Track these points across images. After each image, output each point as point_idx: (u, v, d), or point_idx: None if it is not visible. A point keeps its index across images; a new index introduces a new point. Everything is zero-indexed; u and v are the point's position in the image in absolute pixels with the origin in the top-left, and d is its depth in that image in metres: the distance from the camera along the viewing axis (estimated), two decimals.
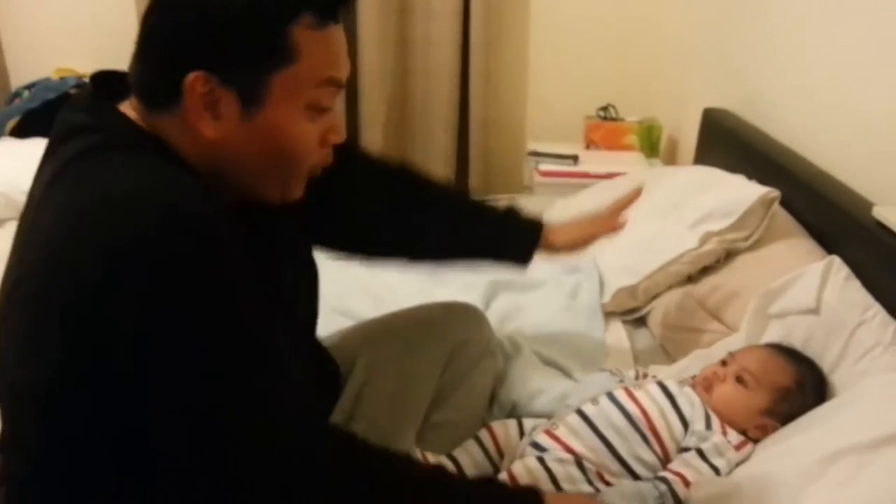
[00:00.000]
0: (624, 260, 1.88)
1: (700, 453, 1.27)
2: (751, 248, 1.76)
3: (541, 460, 1.27)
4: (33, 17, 2.91)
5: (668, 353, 1.68)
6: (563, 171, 2.73)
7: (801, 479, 1.12)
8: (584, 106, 2.99)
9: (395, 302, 1.57)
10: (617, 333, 1.77)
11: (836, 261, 1.53)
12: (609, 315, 1.82)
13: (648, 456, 1.28)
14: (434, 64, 2.85)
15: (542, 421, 1.36)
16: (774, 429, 1.32)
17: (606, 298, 1.83)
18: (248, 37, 0.87)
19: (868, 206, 1.56)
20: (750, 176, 1.89)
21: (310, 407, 0.93)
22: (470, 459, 1.32)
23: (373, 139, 2.90)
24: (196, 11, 0.87)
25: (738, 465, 1.28)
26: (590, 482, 1.25)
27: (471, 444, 1.34)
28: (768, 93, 2.18)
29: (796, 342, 1.45)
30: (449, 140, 2.94)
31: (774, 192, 1.76)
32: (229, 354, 0.81)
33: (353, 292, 1.80)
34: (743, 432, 1.33)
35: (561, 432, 1.30)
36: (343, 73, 0.95)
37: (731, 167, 1.99)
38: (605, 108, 2.99)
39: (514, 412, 1.46)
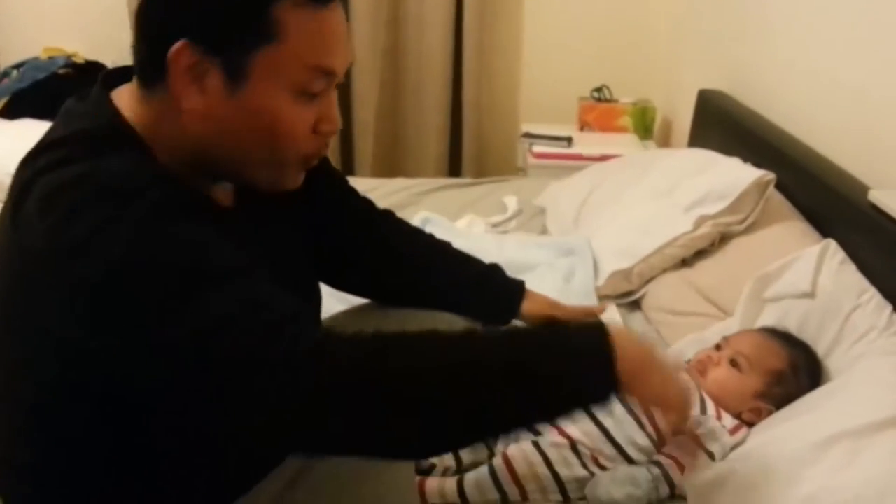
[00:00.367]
0: (618, 243, 1.88)
1: (694, 438, 1.27)
2: (746, 232, 1.75)
3: (536, 444, 1.27)
4: None
5: (663, 337, 1.68)
6: (557, 153, 2.72)
7: (797, 463, 1.13)
8: (577, 87, 2.98)
9: None
10: (611, 317, 1.76)
11: (832, 245, 1.53)
12: (603, 298, 1.82)
13: (643, 440, 1.28)
14: (427, 44, 2.83)
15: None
16: (769, 412, 1.33)
17: (601, 282, 1.83)
18: (231, 10, 0.87)
19: (864, 189, 1.56)
20: (745, 158, 1.88)
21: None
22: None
23: (365, 120, 2.88)
24: None
25: (732, 449, 1.28)
26: (585, 466, 1.25)
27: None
28: (764, 74, 2.17)
29: (791, 326, 1.45)
30: (442, 121, 2.93)
31: (770, 175, 1.76)
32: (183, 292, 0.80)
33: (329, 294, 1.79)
34: (737, 416, 1.33)
35: None
36: (337, 62, 0.93)
37: (726, 149, 1.98)
38: (599, 90, 2.98)
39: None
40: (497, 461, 1.26)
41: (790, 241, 1.63)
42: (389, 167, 2.98)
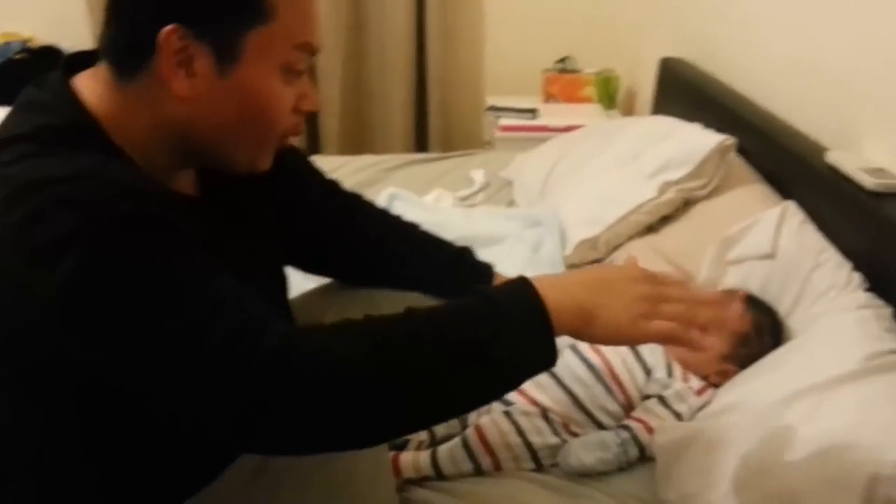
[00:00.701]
0: (585, 212, 1.89)
1: (662, 400, 1.29)
2: (708, 196, 1.78)
3: (507, 414, 1.28)
4: None
5: None
6: (523, 126, 2.73)
7: (761, 420, 1.15)
8: (541, 59, 2.98)
9: None
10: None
11: (792, 206, 1.56)
12: (571, 267, 1.83)
13: (612, 405, 1.30)
14: (390, 19, 2.81)
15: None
16: (735, 373, 1.35)
17: (569, 251, 1.84)
18: None
19: (822, 151, 1.58)
20: (706, 124, 1.90)
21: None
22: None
23: (330, 97, 2.86)
24: None
25: (699, 409, 1.30)
26: (556, 433, 1.27)
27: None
28: (723, 41, 2.19)
29: (754, 287, 1.48)
30: (407, 96, 2.91)
31: (730, 140, 1.78)
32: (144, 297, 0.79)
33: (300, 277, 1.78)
34: (704, 378, 1.35)
35: (526, 386, 1.31)
36: (317, 39, 0.95)
37: (688, 116, 2.00)
38: (562, 61, 2.98)
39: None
40: (469, 432, 1.27)
41: (751, 204, 1.65)
42: (356, 144, 2.97)
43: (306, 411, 0.79)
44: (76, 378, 0.83)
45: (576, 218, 1.90)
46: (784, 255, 1.48)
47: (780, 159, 1.73)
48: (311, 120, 2.92)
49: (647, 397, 1.31)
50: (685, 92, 2.24)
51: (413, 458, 1.25)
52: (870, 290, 1.37)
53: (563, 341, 1.37)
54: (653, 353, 1.36)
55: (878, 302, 1.33)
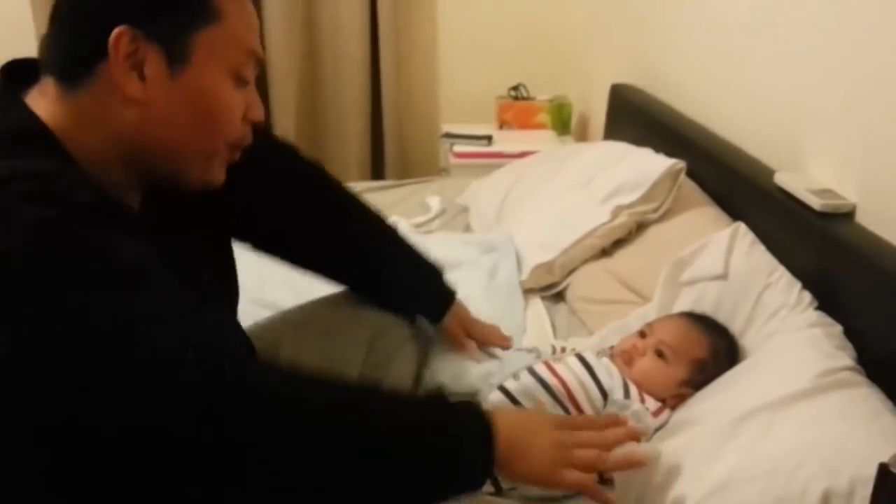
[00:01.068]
0: (539, 237, 1.90)
1: None
2: (660, 220, 1.80)
3: None
4: None
5: (586, 325, 1.71)
6: (478, 152, 2.75)
7: (716, 439, 1.16)
8: (495, 86, 3.01)
9: (315, 292, 1.55)
10: (536, 310, 1.79)
11: (742, 227, 1.58)
12: (528, 292, 1.84)
13: None
14: (343, 48, 2.82)
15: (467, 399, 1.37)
16: (690, 395, 1.36)
17: (524, 276, 1.85)
18: None
19: (770, 172, 1.61)
20: (657, 149, 1.93)
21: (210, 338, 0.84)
22: None
23: (286, 125, 2.85)
24: None
25: (656, 430, 1.31)
26: None
27: None
28: (671, 67, 2.23)
29: (707, 308, 1.49)
30: (362, 125, 2.92)
31: (680, 164, 1.80)
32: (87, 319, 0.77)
33: (274, 283, 1.77)
34: (661, 401, 1.36)
35: (486, 408, 1.31)
36: (260, 50, 0.97)
37: (639, 141, 2.03)
38: (515, 88, 3.01)
39: (439, 393, 1.46)
40: None
41: (703, 226, 1.67)
42: None
43: (251, 447, 0.80)
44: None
45: (531, 243, 1.91)
46: (736, 276, 1.50)
47: (730, 182, 1.76)
48: None
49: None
50: (636, 117, 2.28)
51: None
52: (819, 308, 1.39)
53: (521, 364, 1.38)
54: (610, 374, 1.36)
55: (828, 320, 1.35)
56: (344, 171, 2.93)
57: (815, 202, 1.43)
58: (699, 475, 1.12)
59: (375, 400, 0.94)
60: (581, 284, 1.81)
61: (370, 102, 2.92)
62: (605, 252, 1.85)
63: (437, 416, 0.96)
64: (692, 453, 1.16)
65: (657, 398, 1.36)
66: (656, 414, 1.33)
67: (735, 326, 1.45)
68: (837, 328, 1.33)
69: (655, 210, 1.80)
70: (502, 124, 2.99)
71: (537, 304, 1.81)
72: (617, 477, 1.20)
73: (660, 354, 1.38)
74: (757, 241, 1.55)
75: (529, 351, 1.47)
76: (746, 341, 1.42)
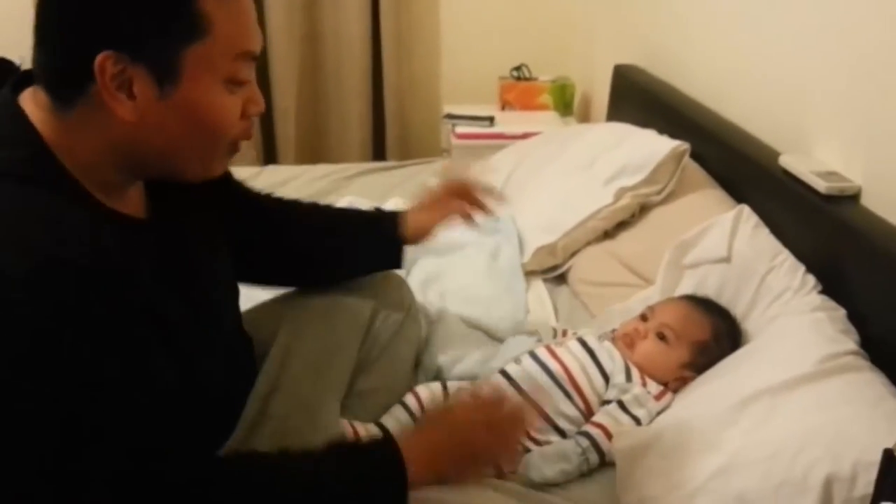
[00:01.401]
0: (542, 219, 1.89)
1: (621, 405, 1.29)
2: (664, 202, 1.79)
3: None
4: None
5: (588, 308, 1.71)
6: (480, 133, 2.73)
7: (718, 423, 1.16)
8: (497, 67, 2.99)
9: None
10: (538, 292, 1.78)
11: (746, 210, 1.57)
12: (530, 274, 1.83)
13: (572, 411, 1.30)
14: (345, 29, 2.80)
15: (467, 383, 1.36)
16: (693, 378, 1.36)
17: (526, 258, 1.84)
18: (154, 9, 0.84)
19: (775, 155, 1.60)
20: (660, 130, 1.91)
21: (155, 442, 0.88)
22: (398, 425, 1.32)
23: (286, 108, 2.84)
24: None
25: (658, 414, 1.31)
26: None
27: (397, 410, 1.34)
28: (675, 47, 2.21)
29: (710, 291, 1.49)
30: (363, 106, 2.91)
31: (684, 145, 1.79)
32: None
33: None
34: (663, 383, 1.36)
35: (485, 392, 1.30)
36: (256, 45, 0.94)
37: (642, 122, 2.02)
38: (518, 68, 2.99)
39: (439, 376, 1.46)
40: None
41: (706, 209, 1.66)
42: (312, 154, 2.95)
43: None
44: None
45: (533, 225, 1.91)
46: (739, 259, 1.49)
47: (734, 164, 1.74)
48: (268, 130, 2.89)
49: (606, 402, 1.31)
50: (639, 98, 2.26)
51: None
52: (823, 292, 1.38)
53: (522, 347, 1.38)
54: (611, 357, 1.36)
55: (832, 304, 1.35)
56: (345, 151, 2.92)
57: (821, 185, 1.42)
58: (701, 459, 1.12)
59: (291, 473, 0.99)
60: (583, 267, 1.80)
61: (371, 83, 2.90)
62: (608, 234, 1.84)
63: (350, 466, 1.02)
64: (695, 437, 1.15)
65: (659, 381, 1.35)
66: (658, 397, 1.33)
67: (738, 310, 1.44)
68: (841, 312, 1.33)
69: (659, 192, 1.79)
70: (504, 105, 2.97)
71: (539, 287, 1.81)
72: (619, 461, 1.21)
73: (661, 337, 1.38)
74: (761, 223, 1.54)
75: (531, 334, 1.46)
76: (749, 325, 1.41)
